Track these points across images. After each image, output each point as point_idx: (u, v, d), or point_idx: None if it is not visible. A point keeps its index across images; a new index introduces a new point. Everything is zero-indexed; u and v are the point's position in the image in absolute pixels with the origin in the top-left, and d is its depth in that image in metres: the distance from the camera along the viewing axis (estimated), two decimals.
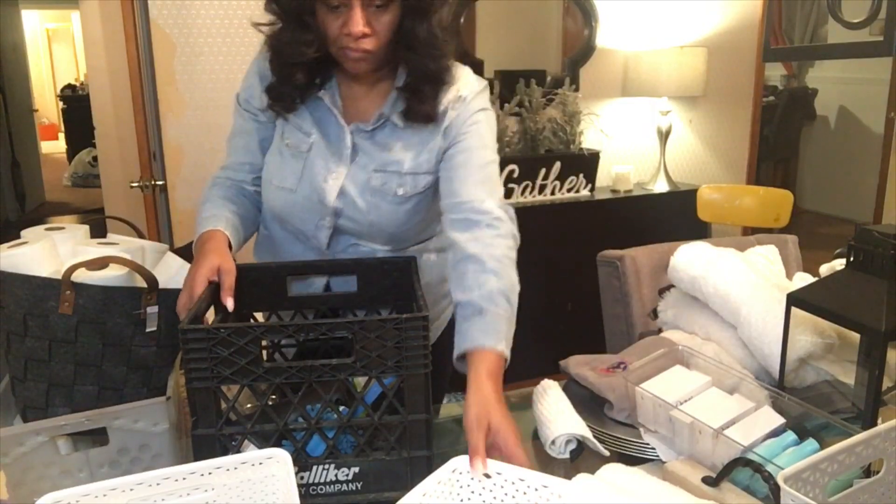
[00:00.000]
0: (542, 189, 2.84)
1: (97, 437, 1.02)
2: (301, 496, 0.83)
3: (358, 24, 1.07)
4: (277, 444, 0.90)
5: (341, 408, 0.96)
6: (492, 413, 0.91)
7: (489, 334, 1.00)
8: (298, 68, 1.16)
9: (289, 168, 1.22)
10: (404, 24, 1.12)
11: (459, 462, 0.85)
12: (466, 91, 1.21)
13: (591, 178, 2.95)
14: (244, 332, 0.89)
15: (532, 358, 1.61)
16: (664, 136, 3.18)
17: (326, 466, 0.94)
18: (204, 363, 0.89)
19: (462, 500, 0.84)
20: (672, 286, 1.41)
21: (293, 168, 1.22)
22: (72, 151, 7.83)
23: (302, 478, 0.93)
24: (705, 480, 0.91)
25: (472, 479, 0.85)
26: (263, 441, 0.92)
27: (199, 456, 0.92)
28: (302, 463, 0.93)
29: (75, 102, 7.91)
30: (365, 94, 1.23)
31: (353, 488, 0.95)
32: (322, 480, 0.94)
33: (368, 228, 1.24)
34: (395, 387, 0.93)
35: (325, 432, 0.94)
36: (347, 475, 0.94)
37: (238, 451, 0.92)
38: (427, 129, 1.20)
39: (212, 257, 1.09)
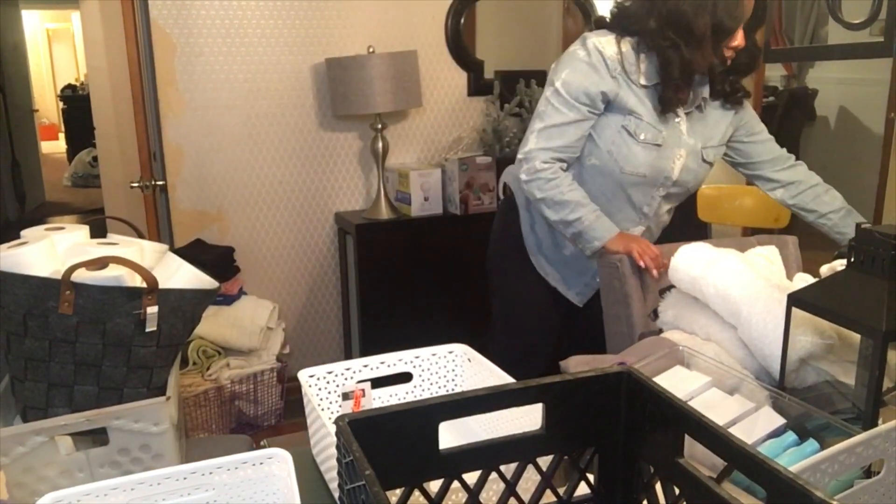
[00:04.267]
0: None
1: (97, 437, 1.02)
2: None
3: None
4: None
5: None
6: None
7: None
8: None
9: (641, 157, 1.56)
10: None
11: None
12: None
13: None
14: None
15: None
16: None
17: None
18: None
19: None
20: (672, 287, 1.41)
21: (645, 158, 1.56)
22: (72, 151, 7.83)
23: None
24: None
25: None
26: None
27: None
28: None
29: (75, 102, 7.92)
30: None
31: None
32: None
33: (685, 192, 1.66)
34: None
35: None
36: None
37: None
38: (725, 108, 1.62)
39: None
